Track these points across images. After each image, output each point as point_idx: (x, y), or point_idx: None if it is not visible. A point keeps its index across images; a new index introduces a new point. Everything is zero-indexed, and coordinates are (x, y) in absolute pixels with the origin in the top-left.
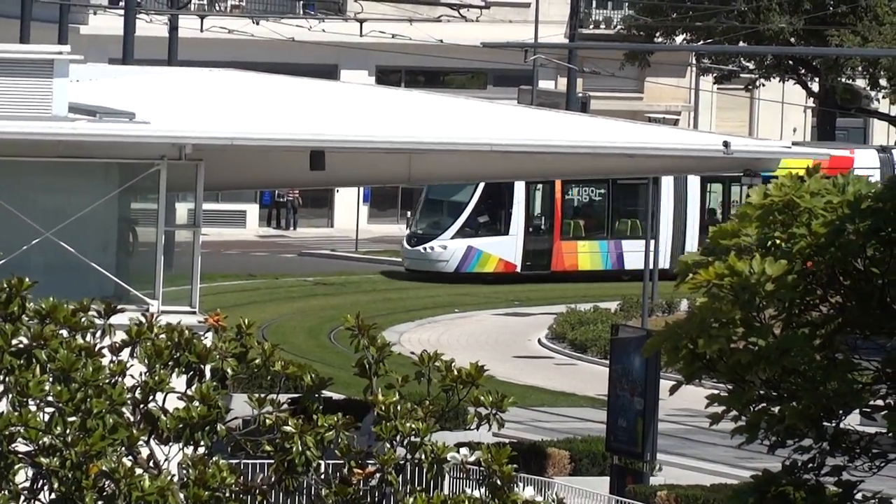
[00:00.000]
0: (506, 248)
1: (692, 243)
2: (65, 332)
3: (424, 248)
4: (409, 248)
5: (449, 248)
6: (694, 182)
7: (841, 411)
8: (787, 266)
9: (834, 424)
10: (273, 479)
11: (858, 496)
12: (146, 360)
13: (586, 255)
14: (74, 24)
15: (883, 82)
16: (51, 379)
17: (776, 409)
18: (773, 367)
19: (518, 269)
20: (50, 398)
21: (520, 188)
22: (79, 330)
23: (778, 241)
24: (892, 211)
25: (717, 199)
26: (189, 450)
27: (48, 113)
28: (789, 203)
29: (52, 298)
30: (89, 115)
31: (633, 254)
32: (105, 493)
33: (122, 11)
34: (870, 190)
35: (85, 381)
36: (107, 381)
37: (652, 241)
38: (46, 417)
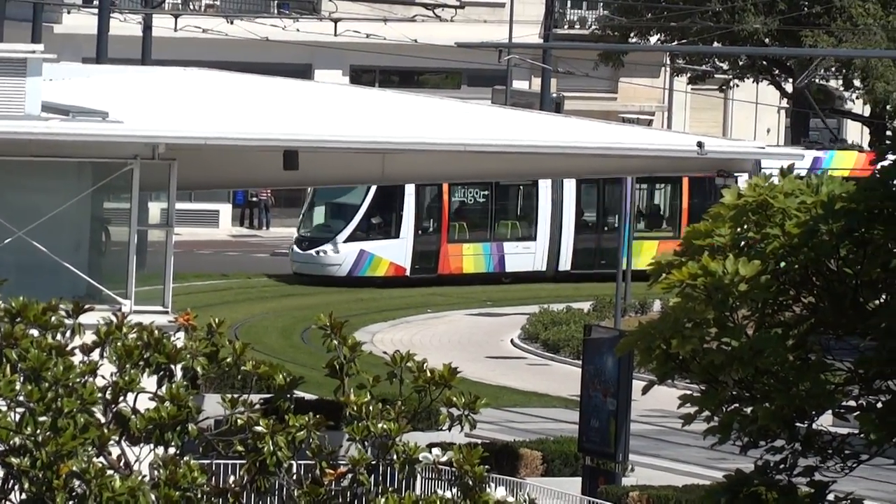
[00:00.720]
0: (396, 252)
1: (568, 245)
2: (35, 332)
3: (317, 252)
4: (299, 251)
5: (342, 252)
6: (570, 184)
7: (813, 412)
8: (760, 266)
9: (806, 425)
10: (245, 480)
11: (830, 497)
12: (116, 360)
13: (471, 257)
14: (48, 23)
15: (857, 83)
16: (21, 378)
17: (749, 410)
18: (746, 368)
19: (407, 273)
20: (21, 398)
21: (410, 190)
22: (49, 329)
23: (751, 242)
24: (865, 211)
25: (593, 200)
26: (160, 450)
27: (21, 112)
28: (763, 203)
29: (22, 298)
30: (62, 114)
31: (515, 256)
32: (76, 494)
33: (95, 10)
34: (843, 190)
35: (56, 381)
36: (78, 380)
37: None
38: (17, 417)
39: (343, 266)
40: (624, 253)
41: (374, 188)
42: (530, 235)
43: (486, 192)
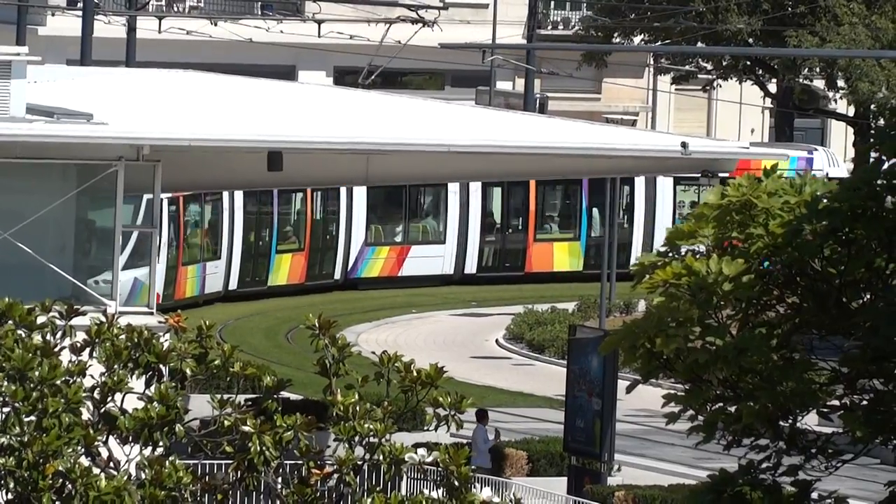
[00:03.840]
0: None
1: (474, 248)
2: (21, 332)
3: None
4: None
5: None
6: (476, 186)
7: (798, 411)
8: (743, 265)
9: (790, 424)
10: (233, 479)
11: (814, 495)
12: (105, 360)
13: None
14: (32, 26)
15: (840, 83)
16: (6, 379)
17: (733, 409)
18: (730, 367)
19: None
20: (6, 398)
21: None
22: (34, 329)
23: (735, 242)
24: (848, 211)
25: (497, 202)
26: (148, 450)
27: (5, 114)
28: (746, 203)
29: (6, 298)
30: (47, 116)
31: (423, 259)
32: (62, 493)
33: (80, 12)
34: (827, 190)
35: (41, 381)
36: (63, 380)
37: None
38: (2, 417)
39: None
40: (608, 252)
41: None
42: (440, 239)
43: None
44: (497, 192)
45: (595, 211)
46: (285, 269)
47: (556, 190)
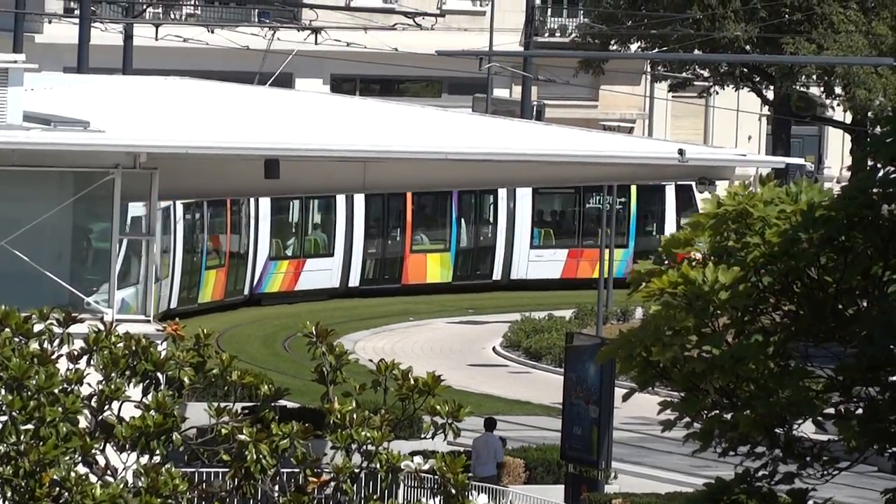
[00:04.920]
0: None
1: (358, 260)
2: (18, 340)
3: None
4: None
5: None
6: (360, 198)
7: (794, 419)
8: (739, 273)
9: (786, 432)
10: (230, 487)
11: (810, 503)
12: (102, 369)
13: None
14: (29, 33)
15: (838, 90)
16: (3, 387)
17: (729, 417)
18: (726, 376)
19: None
20: (2, 407)
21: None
22: (31, 337)
23: (731, 250)
24: (845, 219)
25: (378, 214)
26: (145, 458)
27: (2, 121)
28: (743, 212)
29: (3, 306)
30: (44, 123)
31: (313, 273)
32: (59, 502)
33: (76, 20)
34: (823, 198)
35: (38, 389)
36: (60, 388)
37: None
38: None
39: None
40: (606, 260)
41: None
42: (329, 252)
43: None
44: (378, 203)
45: (464, 222)
46: (211, 285)
47: (429, 200)
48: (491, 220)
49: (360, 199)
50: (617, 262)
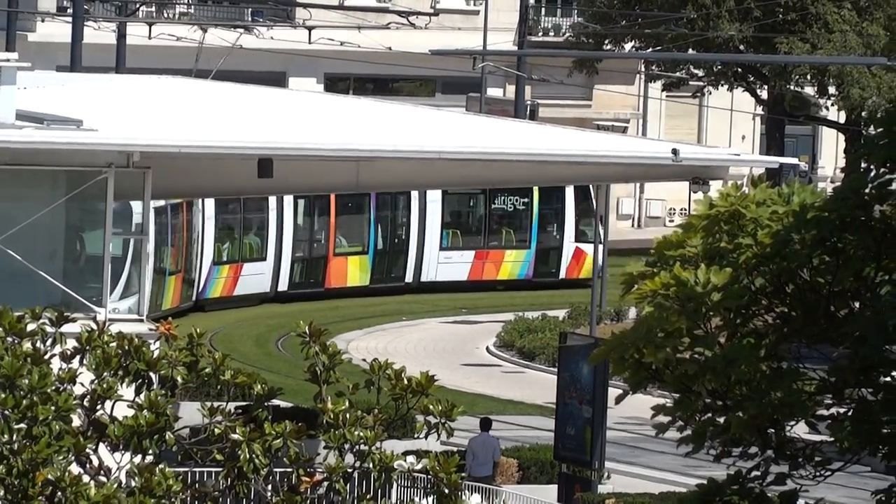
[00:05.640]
0: None
1: (286, 264)
2: (11, 340)
3: None
4: None
5: None
6: (289, 199)
7: (786, 421)
8: (731, 275)
9: (777, 433)
10: (223, 486)
11: (801, 503)
12: (95, 368)
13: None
14: (22, 31)
15: (832, 90)
16: None
17: (722, 419)
18: (719, 378)
19: None
20: None
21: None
22: (24, 337)
23: (723, 251)
24: (837, 220)
25: (304, 217)
26: (138, 458)
27: None
28: (735, 213)
29: None
30: (37, 122)
31: (250, 277)
32: (52, 501)
33: (70, 19)
34: (815, 199)
35: (31, 388)
36: (53, 387)
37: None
38: None
39: None
40: (598, 259)
41: None
42: (262, 256)
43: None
44: (305, 206)
45: (380, 224)
46: (172, 291)
47: (351, 203)
48: (404, 222)
49: (289, 201)
50: (519, 263)
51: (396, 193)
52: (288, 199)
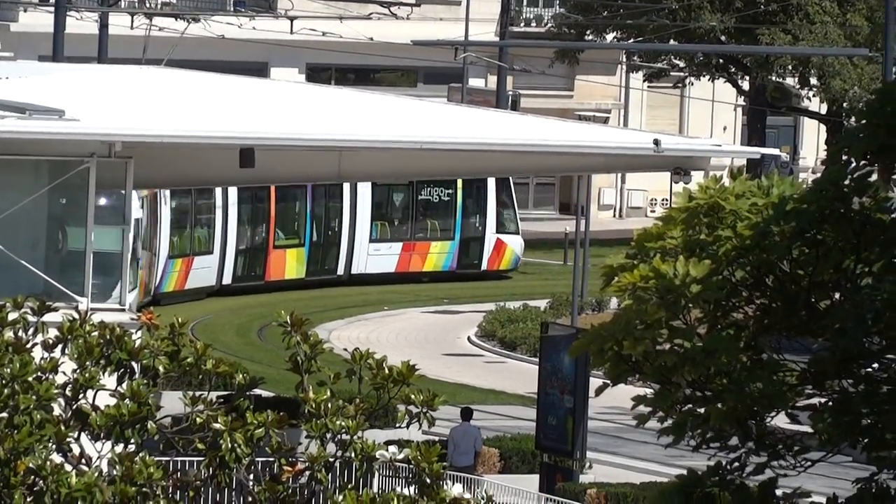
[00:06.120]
0: None
1: (231, 257)
2: None
3: None
4: None
5: None
6: (233, 192)
7: (766, 412)
8: (711, 267)
9: (759, 424)
10: (205, 476)
11: (779, 493)
12: (77, 357)
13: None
14: (4, 21)
15: (813, 81)
16: None
17: (702, 410)
18: (698, 369)
19: None
20: None
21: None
22: (5, 326)
23: (703, 244)
24: (816, 212)
25: (248, 209)
26: (120, 447)
27: None
28: (714, 205)
29: None
30: (18, 112)
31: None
32: (33, 490)
33: (52, 8)
34: (794, 191)
35: (12, 377)
36: (34, 376)
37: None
38: None
39: None
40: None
41: None
42: (209, 249)
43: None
44: (247, 197)
45: (314, 216)
46: (140, 285)
47: (288, 194)
48: (336, 214)
49: (233, 193)
50: (444, 255)
51: (332, 185)
52: (232, 191)
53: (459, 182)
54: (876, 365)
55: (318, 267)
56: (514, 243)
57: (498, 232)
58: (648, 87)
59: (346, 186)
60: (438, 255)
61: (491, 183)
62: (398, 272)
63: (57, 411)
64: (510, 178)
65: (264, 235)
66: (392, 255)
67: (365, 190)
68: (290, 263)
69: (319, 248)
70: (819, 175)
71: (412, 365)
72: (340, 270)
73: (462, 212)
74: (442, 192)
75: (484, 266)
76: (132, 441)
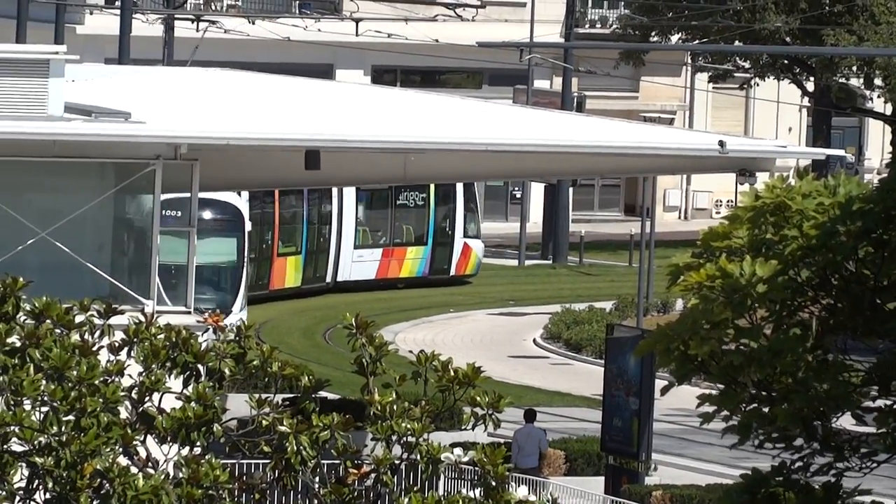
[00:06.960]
0: None
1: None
2: (59, 331)
3: None
4: None
5: None
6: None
7: (832, 413)
8: (777, 267)
9: (825, 424)
10: (271, 478)
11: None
12: (143, 360)
13: None
14: (71, 24)
15: (878, 81)
16: (45, 378)
17: (767, 410)
18: (764, 369)
19: None
20: (44, 397)
21: None
22: (72, 328)
23: (769, 243)
24: (882, 212)
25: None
26: (186, 450)
27: (44, 113)
28: (780, 205)
29: (45, 297)
30: (85, 114)
31: None
32: (100, 493)
33: (118, 11)
34: (861, 191)
35: (79, 380)
36: (101, 379)
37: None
38: (41, 416)
39: None
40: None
41: None
42: None
43: None
44: (258, 205)
45: (309, 224)
46: None
47: (290, 202)
48: (326, 221)
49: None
50: (418, 261)
51: (323, 192)
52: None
53: (432, 186)
54: None
55: (312, 275)
56: (478, 248)
57: (465, 236)
58: (713, 88)
59: (335, 192)
60: (413, 260)
61: (459, 188)
62: (378, 278)
63: (123, 414)
64: (474, 183)
65: (270, 243)
66: (373, 262)
67: (350, 195)
68: (290, 271)
69: (313, 256)
70: (885, 176)
71: (478, 367)
72: (328, 278)
73: (434, 216)
74: (417, 196)
75: (452, 271)
76: (198, 444)
